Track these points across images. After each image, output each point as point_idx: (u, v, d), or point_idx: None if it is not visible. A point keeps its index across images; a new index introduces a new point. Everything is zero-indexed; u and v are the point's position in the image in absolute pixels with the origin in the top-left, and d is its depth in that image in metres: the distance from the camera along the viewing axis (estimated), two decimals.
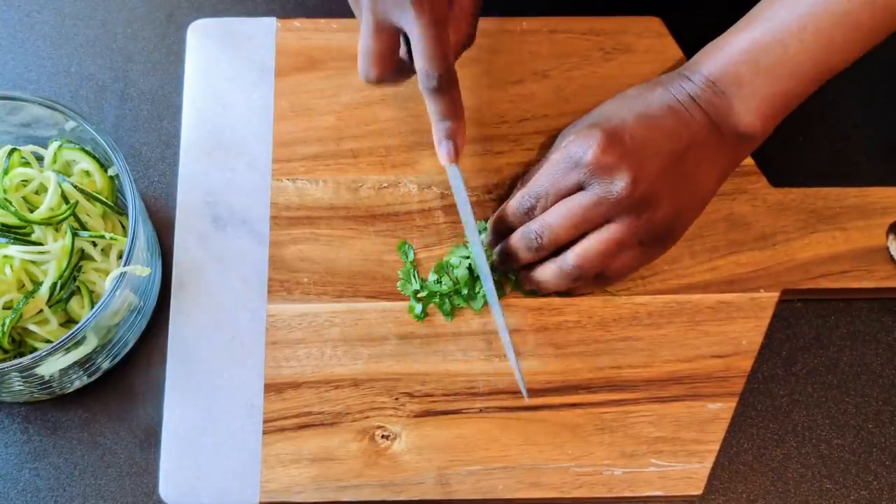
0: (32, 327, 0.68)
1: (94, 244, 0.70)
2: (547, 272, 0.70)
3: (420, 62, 0.65)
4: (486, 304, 0.73)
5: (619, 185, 0.65)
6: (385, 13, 0.65)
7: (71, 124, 0.70)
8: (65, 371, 0.68)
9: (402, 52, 0.70)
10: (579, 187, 0.67)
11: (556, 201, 0.68)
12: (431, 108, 0.68)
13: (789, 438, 0.73)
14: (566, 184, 0.68)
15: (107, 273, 0.70)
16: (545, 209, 0.69)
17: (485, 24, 0.79)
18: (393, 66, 0.68)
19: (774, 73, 0.66)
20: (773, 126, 0.68)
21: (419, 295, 0.73)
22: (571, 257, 0.68)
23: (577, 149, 0.67)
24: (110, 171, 0.72)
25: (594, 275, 0.70)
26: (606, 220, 0.67)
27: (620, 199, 0.66)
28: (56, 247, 0.68)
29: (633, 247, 0.68)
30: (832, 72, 0.67)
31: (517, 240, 0.70)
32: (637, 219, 0.67)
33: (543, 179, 0.69)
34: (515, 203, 0.70)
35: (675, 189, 0.67)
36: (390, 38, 0.66)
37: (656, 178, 0.66)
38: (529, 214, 0.70)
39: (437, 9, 0.64)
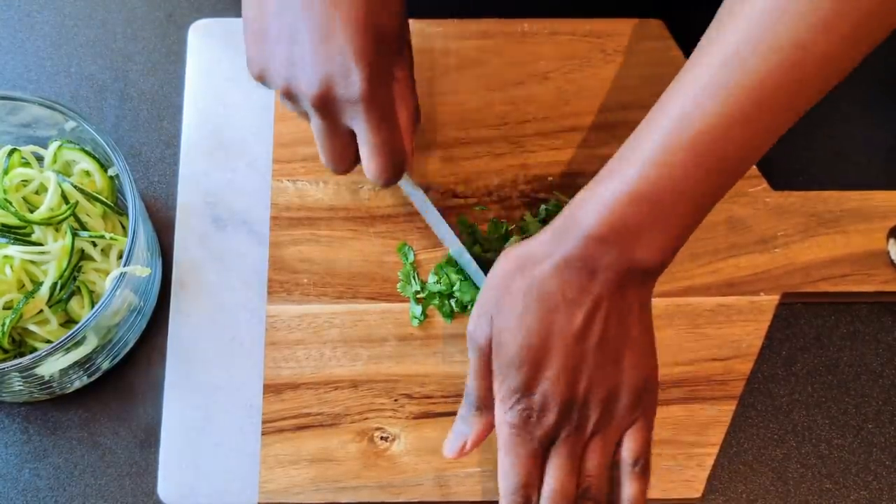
0: (32, 327, 0.68)
1: (94, 244, 0.70)
2: None
3: (370, 167, 0.64)
4: None
5: (574, 414, 0.61)
6: (335, 116, 0.63)
7: (71, 124, 0.70)
8: (65, 371, 0.68)
9: None
10: (543, 443, 0.62)
11: (536, 479, 0.62)
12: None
13: (789, 438, 0.73)
14: (531, 452, 0.62)
15: (107, 273, 0.70)
16: (532, 491, 0.62)
17: (486, 25, 0.79)
18: (356, 158, 0.65)
19: (664, 209, 0.59)
20: (680, 246, 0.61)
21: (419, 296, 0.73)
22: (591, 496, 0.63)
23: (523, 413, 0.61)
24: (110, 171, 0.72)
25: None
26: (586, 442, 0.62)
27: (581, 423, 0.61)
28: (56, 247, 0.68)
29: (613, 440, 0.63)
30: (726, 185, 0.60)
31: None
32: (606, 416, 0.62)
33: (510, 462, 0.62)
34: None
35: (613, 368, 0.62)
36: (347, 136, 0.64)
37: (583, 377, 0.61)
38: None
39: (385, 106, 0.62)
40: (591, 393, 0.61)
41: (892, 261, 0.74)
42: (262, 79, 0.64)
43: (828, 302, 0.75)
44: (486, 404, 0.63)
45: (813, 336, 0.75)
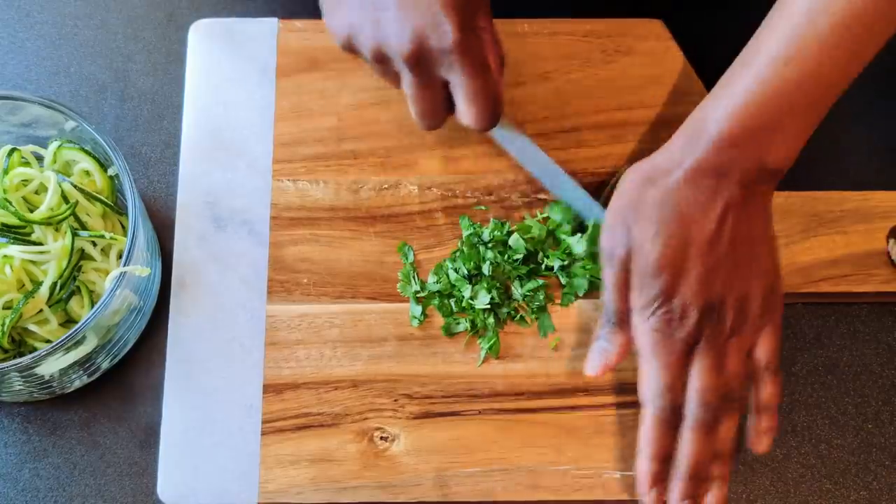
0: (32, 327, 0.68)
1: (94, 244, 0.70)
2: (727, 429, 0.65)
3: (468, 113, 0.66)
4: (487, 310, 0.73)
5: (713, 316, 0.62)
6: (429, 69, 0.64)
7: (71, 124, 0.70)
8: (65, 371, 0.68)
9: None
10: (688, 344, 0.63)
11: (681, 382, 0.63)
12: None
13: (789, 438, 0.73)
14: (675, 354, 0.62)
15: (107, 273, 0.70)
16: (678, 394, 0.63)
17: None
18: (447, 111, 0.68)
19: (796, 104, 0.61)
20: (802, 146, 0.63)
21: (419, 296, 0.73)
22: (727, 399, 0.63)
23: (665, 316, 0.62)
24: (110, 171, 0.72)
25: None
26: (724, 345, 0.63)
27: (719, 326, 0.62)
28: (56, 247, 0.68)
29: (748, 343, 0.64)
30: (843, 83, 0.62)
31: (693, 444, 0.64)
32: (741, 319, 0.63)
33: (656, 366, 0.63)
34: (653, 426, 0.64)
35: (745, 270, 0.63)
36: (440, 89, 0.66)
37: (718, 280, 0.62)
38: (676, 416, 0.63)
39: (477, 53, 0.64)
40: (726, 295, 0.62)
41: (892, 261, 0.74)
42: (349, 45, 0.65)
43: (828, 302, 0.75)
44: (625, 319, 0.64)
45: (813, 336, 0.75)
